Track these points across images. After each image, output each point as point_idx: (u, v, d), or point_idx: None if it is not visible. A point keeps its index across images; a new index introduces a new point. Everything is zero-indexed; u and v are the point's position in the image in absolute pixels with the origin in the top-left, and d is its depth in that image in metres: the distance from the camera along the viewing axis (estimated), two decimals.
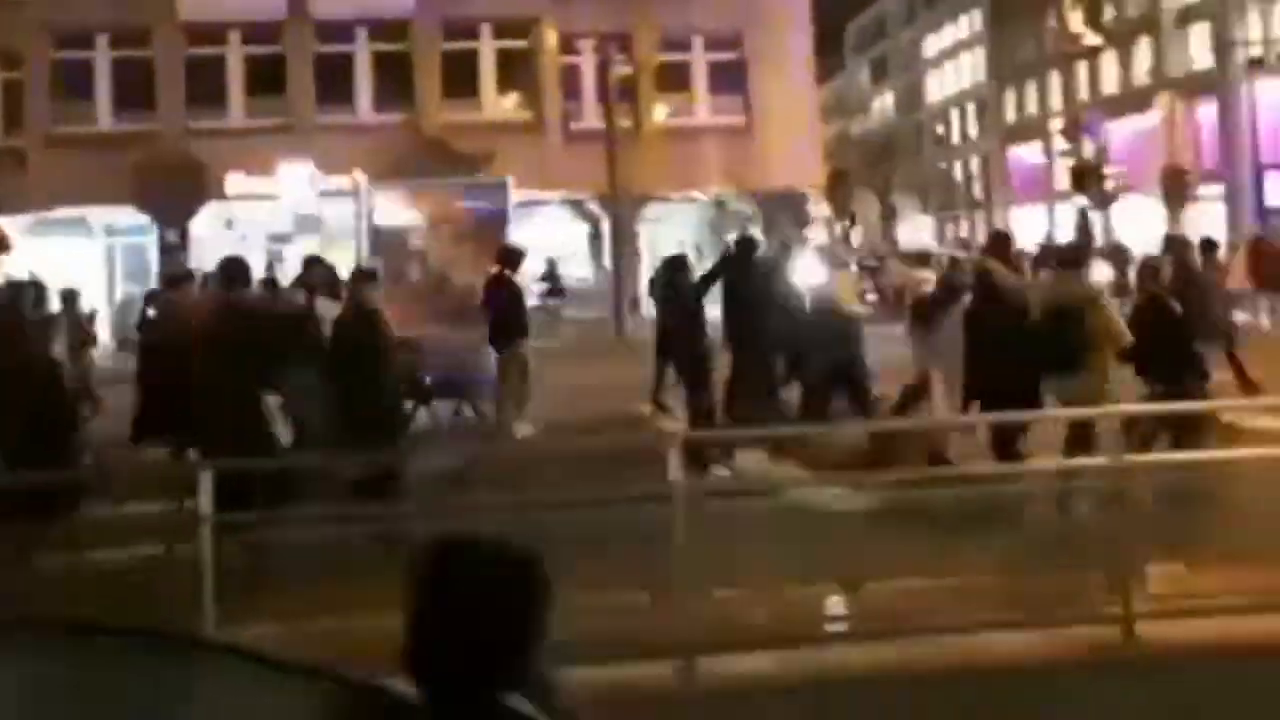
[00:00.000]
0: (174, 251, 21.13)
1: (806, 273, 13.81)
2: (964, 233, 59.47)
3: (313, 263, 12.68)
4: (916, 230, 68.97)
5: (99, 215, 28.48)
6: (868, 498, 8.49)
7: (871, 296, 24.61)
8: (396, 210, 19.00)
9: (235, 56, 29.62)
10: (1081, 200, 36.30)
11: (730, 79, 31.72)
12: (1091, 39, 40.45)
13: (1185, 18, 43.73)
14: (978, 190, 68.06)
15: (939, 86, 76.77)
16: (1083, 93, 51.47)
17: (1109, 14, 45.33)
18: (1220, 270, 17.06)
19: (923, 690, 6.11)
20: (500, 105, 30.96)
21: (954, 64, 73.86)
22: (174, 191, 21.18)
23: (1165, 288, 9.99)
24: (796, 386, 12.71)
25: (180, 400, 9.07)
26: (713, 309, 13.18)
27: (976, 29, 68.98)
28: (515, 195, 20.95)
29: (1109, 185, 35.42)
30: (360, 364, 9.46)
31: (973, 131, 70.41)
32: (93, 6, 28.34)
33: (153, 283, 19.69)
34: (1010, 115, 63.61)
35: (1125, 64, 48.25)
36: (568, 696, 2.52)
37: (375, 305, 9.97)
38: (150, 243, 24.83)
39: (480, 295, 14.23)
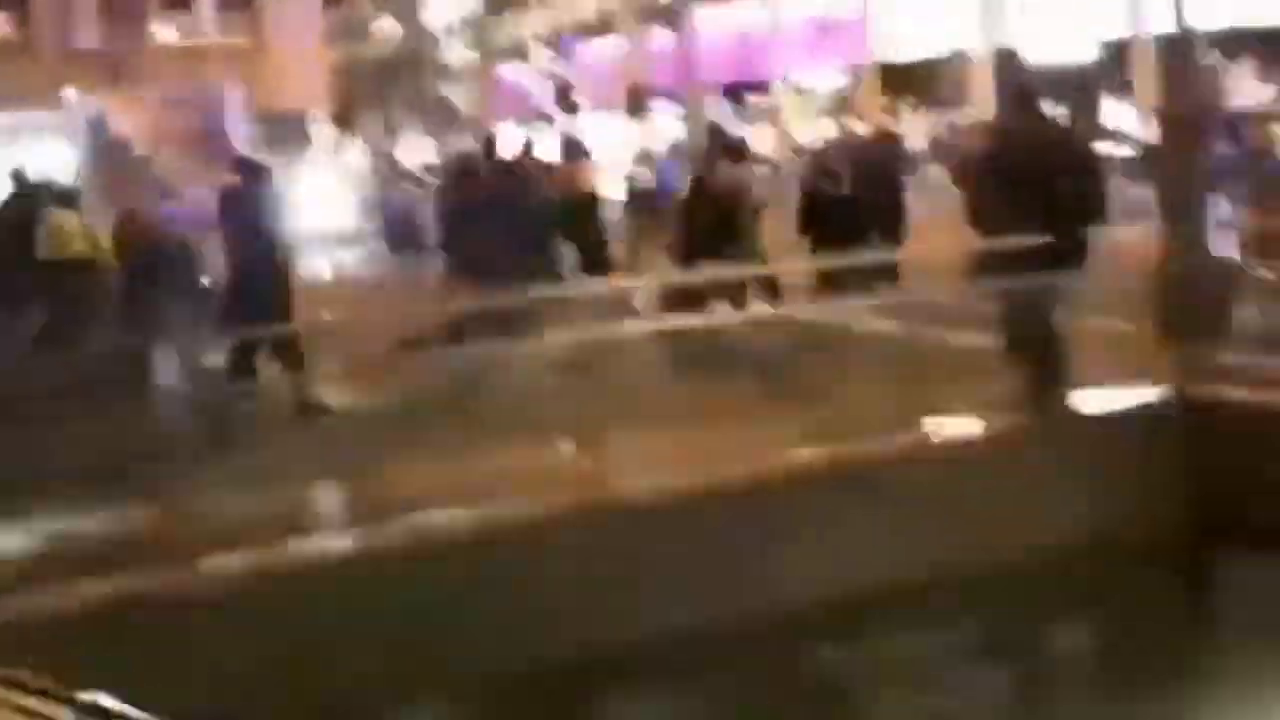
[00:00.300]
0: None
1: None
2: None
3: None
4: (418, 149, 72.10)
5: None
6: None
7: None
8: None
9: None
10: (560, 116, 40.79)
11: None
12: None
13: None
14: (467, 108, 72.18)
15: (438, 11, 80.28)
16: (560, 17, 56.62)
17: None
18: None
19: None
20: None
21: None
22: None
23: None
24: None
25: None
26: None
27: None
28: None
29: (582, 101, 40.06)
30: None
31: (468, 54, 74.53)
32: None
33: None
34: (500, 38, 68.21)
35: None
36: None
37: None
38: None
39: None
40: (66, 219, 12.67)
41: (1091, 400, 9.00)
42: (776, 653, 7.29)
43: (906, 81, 42.00)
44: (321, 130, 36.65)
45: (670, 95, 42.21)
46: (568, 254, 13.20)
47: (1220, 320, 9.20)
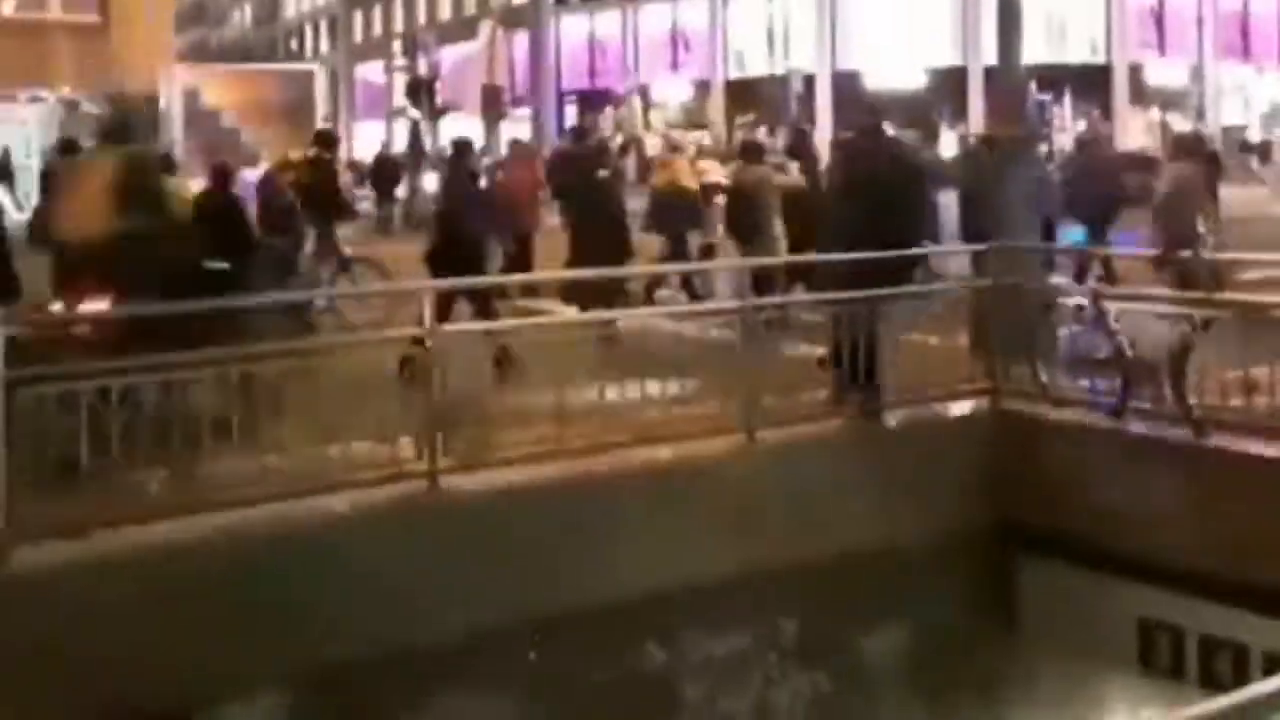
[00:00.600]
0: None
1: None
2: None
3: None
4: None
5: None
6: None
7: None
8: None
9: None
10: (415, 114, 40.50)
11: None
12: None
13: None
14: (324, 106, 71.30)
15: (295, 2, 79.19)
16: (421, 18, 56.30)
17: None
18: None
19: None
20: None
21: None
22: None
23: None
24: None
25: None
26: None
27: None
28: None
29: (438, 101, 39.81)
30: None
31: (324, 48, 73.62)
32: None
33: None
34: (358, 35, 67.51)
35: None
36: None
37: None
38: None
39: None
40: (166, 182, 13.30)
41: (908, 409, 9.26)
42: (580, 652, 7.32)
43: (751, 97, 42.81)
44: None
45: (525, 100, 42.25)
46: None
47: (1036, 338, 9.53)
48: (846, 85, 37.07)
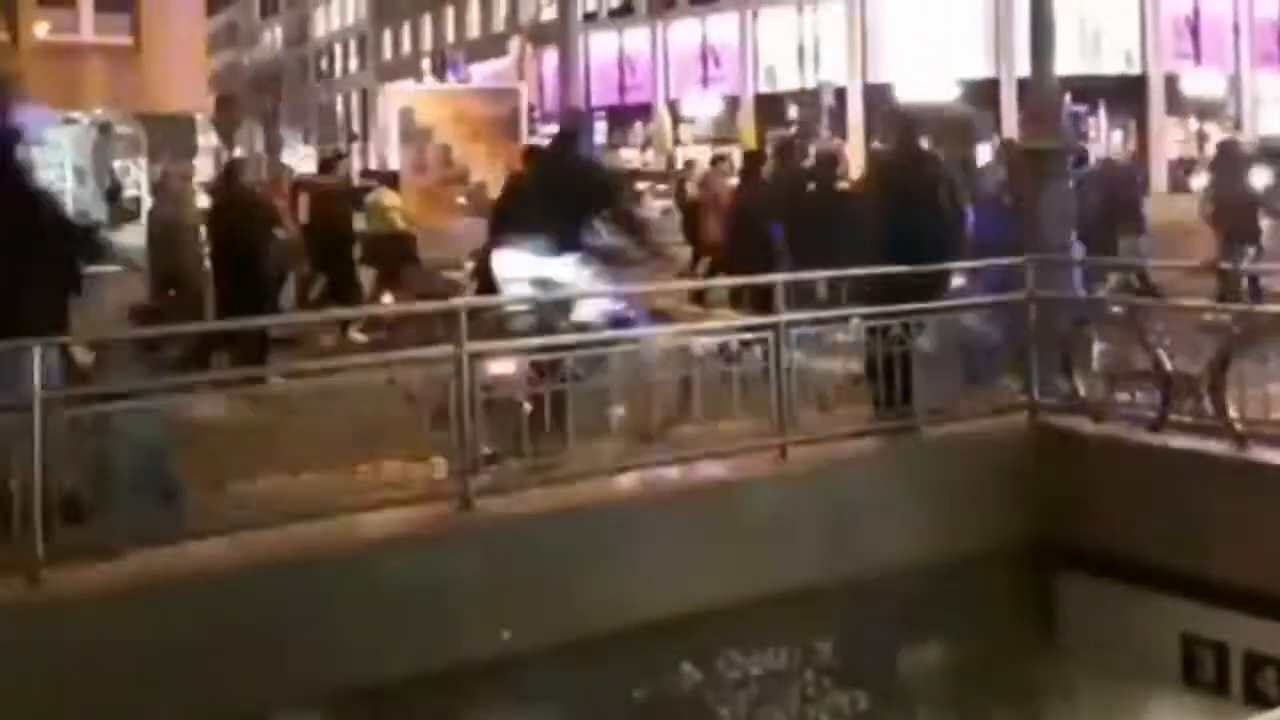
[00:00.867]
0: None
1: None
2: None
3: None
4: (299, 159, 71.54)
5: None
6: None
7: None
8: None
9: None
10: None
11: None
12: None
13: None
14: (356, 123, 71.80)
15: (325, 22, 79.65)
16: (450, 36, 56.50)
17: None
18: None
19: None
20: None
21: (339, 1, 77.01)
22: None
23: None
24: None
25: None
26: None
27: None
28: None
29: None
30: None
31: (353, 67, 73.98)
32: None
33: None
34: (388, 53, 67.76)
35: (486, 11, 53.63)
36: None
37: None
38: None
39: None
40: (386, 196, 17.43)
41: (944, 425, 9.16)
42: (616, 672, 7.25)
43: (780, 111, 42.73)
44: (206, 137, 36.13)
45: (554, 117, 42.31)
46: None
47: (1075, 352, 9.43)
48: (877, 97, 36.90)
